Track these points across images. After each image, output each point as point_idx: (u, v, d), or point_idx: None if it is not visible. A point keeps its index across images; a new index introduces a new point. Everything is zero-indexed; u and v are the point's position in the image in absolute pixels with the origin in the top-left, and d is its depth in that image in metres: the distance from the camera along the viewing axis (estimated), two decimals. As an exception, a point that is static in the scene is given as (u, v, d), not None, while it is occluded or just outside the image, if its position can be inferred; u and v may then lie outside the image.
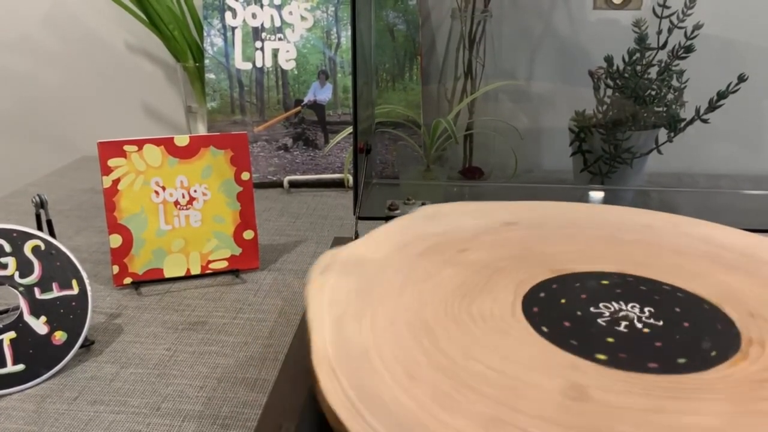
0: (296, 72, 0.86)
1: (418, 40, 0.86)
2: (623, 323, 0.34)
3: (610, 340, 0.33)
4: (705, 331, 0.34)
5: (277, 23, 0.85)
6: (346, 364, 0.30)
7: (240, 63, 0.85)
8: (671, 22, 0.72)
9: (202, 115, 0.90)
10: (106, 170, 0.56)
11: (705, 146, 0.86)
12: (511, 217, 0.49)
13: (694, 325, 0.35)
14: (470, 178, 0.86)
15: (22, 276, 0.46)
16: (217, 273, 0.61)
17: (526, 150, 0.89)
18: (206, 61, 0.85)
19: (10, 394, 0.44)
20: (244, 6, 0.85)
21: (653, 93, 0.75)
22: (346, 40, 0.86)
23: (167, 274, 0.59)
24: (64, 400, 0.44)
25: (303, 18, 0.86)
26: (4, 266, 0.46)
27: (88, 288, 0.48)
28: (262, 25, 0.85)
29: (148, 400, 0.44)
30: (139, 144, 0.56)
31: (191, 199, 0.59)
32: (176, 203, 0.58)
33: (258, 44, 0.85)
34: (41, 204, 0.50)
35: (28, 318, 0.46)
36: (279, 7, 0.85)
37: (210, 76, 0.85)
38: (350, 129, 0.85)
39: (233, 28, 0.85)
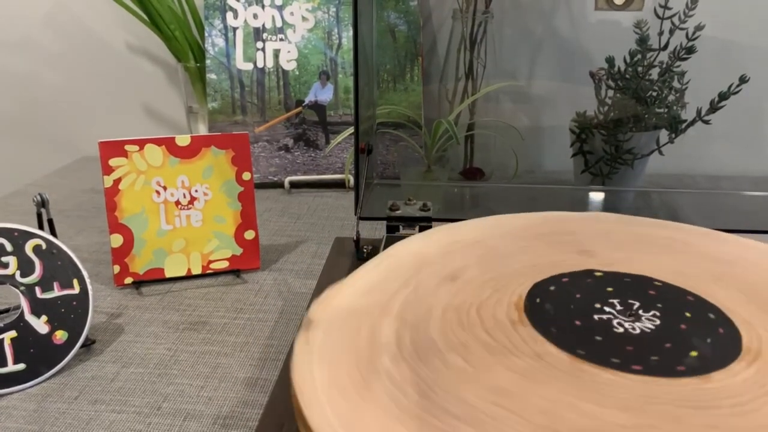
0: (297, 72, 0.86)
1: (419, 40, 0.86)
2: (623, 325, 0.34)
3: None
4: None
5: (279, 24, 0.85)
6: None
7: (241, 63, 0.85)
8: (673, 23, 0.73)
9: (203, 116, 0.90)
10: (108, 170, 0.56)
11: (706, 147, 0.86)
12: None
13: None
14: (471, 179, 0.86)
15: (23, 275, 0.46)
16: (217, 273, 0.61)
17: (527, 151, 0.89)
18: (207, 62, 0.85)
19: (11, 393, 0.44)
20: (245, 6, 0.85)
21: (654, 94, 0.75)
22: (347, 40, 0.86)
23: (168, 274, 0.59)
24: (65, 400, 0.44)
25: (304, 18, 0.86)
26: (6, 265, 0.46)
27: (89, 287, 0.48)
28: (263, 25, 0.85)
29: (149, 400, 0.44)
30: (141, 144, 0.56)
31: (192, 199, 0.59)
32: (177, 203, 0.58)
33: (259, 45, 0.85)
34: (42, 203, 0.50)
35: (29, 317, 0.46)
36: (280, 8, 0.85)
37: (211, 76, 0.85)
38: (351, 130, 0.85)
39: (234, 29, 0.85)
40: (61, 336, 0.46)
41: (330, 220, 0.75)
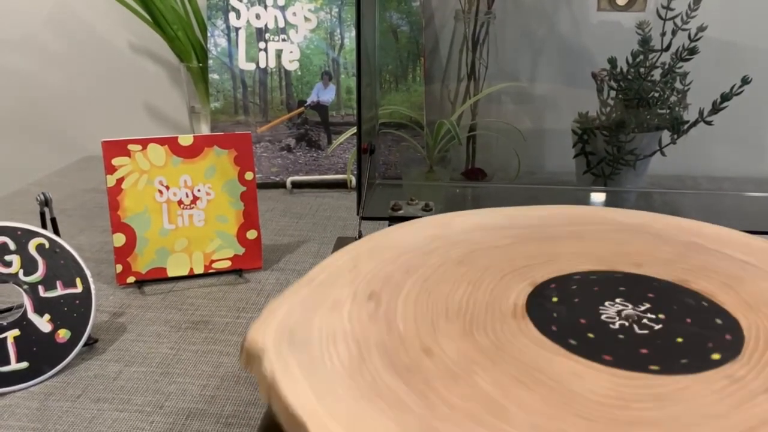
0: (299, 73, 0.86)
1: (422, 41, 0.86)
2: (628, 323, 0.35)
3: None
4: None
5: (281, 24, 0.86)
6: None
7: (243, 63, 0.86)
8: (675, 24, 0.73)
9: (206, 116, 0.90)
10: (110, 169, 0.56)
11: (708, 148, 0.86)
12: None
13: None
14: (473, 180, 0.86)
15: (26, 274, 0.46)
16: (220, 272, 0.61)
17: (529, 151, 0.89)
18: (210, 62, 0.85)
19: (14, 391, 0.44)
20: (248, 7, 0.85)
21: (656, 95, 0.75)
22: (350, 41, 0.86)
23: (170, 274, 0.59)
24: (68, 398, 0.44)
25: (307, 19, 0.86)
26: (9, 264, 0.46)
27: (92, 286, 0.48)
28: (265, 25, 0.86)
29: (152, 399, 0.44)
30: (144, 143, 0.57)
31: (195, 199, 0.59)
32: (180, 202, 0.58)
33: (261, 45, 0.86)
34: (46, 202, 0.50)
35: (32, 316, 0.46)
36: (283, 8, 0.86)
37: (213, 76, 0.86)
38: (353, 130, 0.85)
39: (237, 29, 0.85)
40: (63, 335, 0.46)
41: (332, 220, 0.75)
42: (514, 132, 0.86)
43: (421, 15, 0.86)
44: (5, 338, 0.44)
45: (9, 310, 0.53)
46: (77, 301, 0.47)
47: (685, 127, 0.75)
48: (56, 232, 0.50)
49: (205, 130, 0.91)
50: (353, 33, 0.86)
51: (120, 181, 0.56)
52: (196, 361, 0.48)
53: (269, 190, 0.85)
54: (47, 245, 0.47)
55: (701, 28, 0.72)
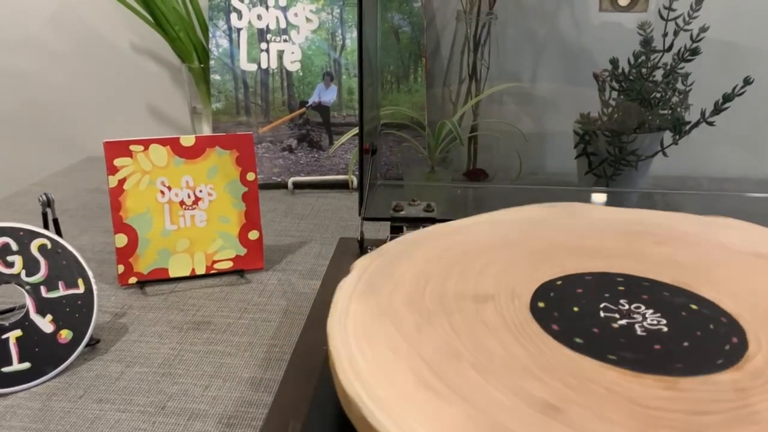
0: (301, 73, 0.86)
1: (423, 42, 0.86)
2: (634, 325, 0.34)
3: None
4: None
5: (283, 25, 0.86)
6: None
7: (245, 64, 0.86)
8: (677, 24, 0.72)
9: (207, 116, 0.90)
10: (112, 170, 0.56)
11: (710, 149, 0.86)
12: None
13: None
14: (474, 180, 0.86)
15: (28, 274, 0.46)
16: (222, 273, 0.61)
17: (531, 152, 0.89)
18: (211, 63, 0.86)
19: (16, 392, 0.44)
20: (249, 7, 0.85)
21: (658, 95, 0.75)
22: (351, 42, 0.86)
23: (172, 274, 0.59)
24: (70, 399, 0.44)
25: (308, 20, 0.86)
26: (11, 264, 0.46)
27: (94, 287, 0.48)
28: (267, 26, 0.86)
29: (154, 399, 0.44)
30: (145, 144, 0.57)
31: (196, 199, 0.59)
32: (182, 203, 0.58)
33: (263, 46, 0.86)
34: (48, 203, 0.50)
35: (34, 316, 0.46)
36: (284, 9, 0.86)
37: (215, 77, 0.86)
38: (354, 131, 0.85)
39: (238, 30, 0.85)
40: (65, 335, 0.46)
41: (333, 220, 0.75)
42: (515, 133, 0.86)
43: (422, 16, 0.86)
44: (7, 339, 0.45)
45: (11, 310, 0.53)
46: (79, 302, 0.47)
47: (687, 127, 0.75)
48: (58, 232, 0.50)
49: (206, 130, 0.91)
50: (354, 34, 0.86)
51: (122, 181, 0.56)
52: (198, 361, 0.48)
53: (271, 190, 0.85)
54: (49, 246, 0.47)
55: (703, 29, 0.71)
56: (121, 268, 0.58)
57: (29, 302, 0.46)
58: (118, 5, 0.91)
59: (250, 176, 0.60)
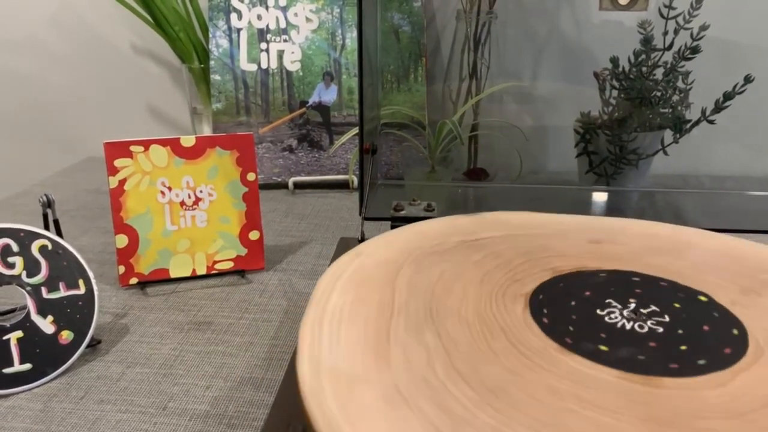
0: (301, 73, 0.86)
1: (423, 41, 0.86)
2: (633, 324, 0.34)
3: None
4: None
5: (283, 25, 0.86)
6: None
7: (245, 64, 0.86)
8: (677, 23, 0.72)
9: (207, 117, 0.90)
10: (113, 170, 0.56)
11: (711, 147, 0.86)
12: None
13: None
14: (475, 180, 0.86)
15: (29, 275, 0.46)
16: (222, 273, 0.61)
17: (531, 151, 0.89)
18: (211, 63, 0.86)
19: (18, 393, 0.44)
20: (249, 8, 0.85)
21: (659, 94, 0.75)
22: (351, 41, 0.86)
23: (173, 275, 0.59)
24: (71, 399, 0.44)
25: (308, 19, 0.86)
26: (12, 266, 0.46)
27: (95, 288, 0.48)
28: (267, 26, 0.86)
29: (155, 400, 0.44)
30: (146, 144, 0.57)
31: (197, 200, 0.59)
32: (182, 204, 0.58)
33: (263, 46, 0.86)
34: (48, 203, 0.50)
35: (35, 317, 0.46)
36: (284, 9, 0.86)
37: (215, 77, 0.86)
38: (355, 130, 0.85)
39: (238, 30, 0.85)
40: (66, 336, 0.46)
41: (334, 220, 0.75)
42: (516, 132, 0.86)
43: (422, 15, 0.86)
44: (8, 340, 0.45)
45: (12, 311, 0.53)
46: (80, 303, 0.47)
47: (688, 126, 0.75)
48: (59, 233, 0.50)
49: (207, 130, 0.91)
50: (354, 33, 0.85)
51: (122, 182, 0.56)
52: (199, 362, 0.48)
53: (271, 190, 0.85)
54: (50, 247, 0.47)
55: (703, 27, 0.71)
56: (121, 269, 0.58)
57: (30, 303, 0.46)
58: (118, 6, 0.91)
59: (251, 176, 0.60)
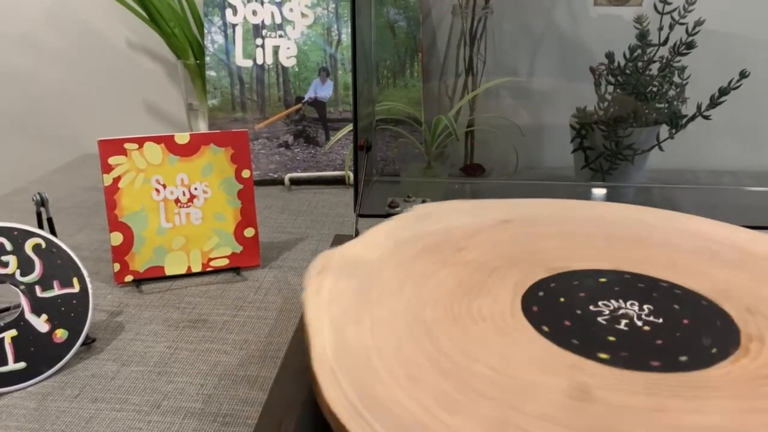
0: (297, 69, 0.86)
1: (419, 36, 0.86)
2: (623, 321, 0.34)
3: (611, 338, 0.33)
4: (704, 328, 0.34)
5: (278, 20, 0.85)
6: (347, 367, 0.30)
7: (241, 60, 0.85)
8: (672, 18, 0.72)
9: (203, 113, 0.90)
10: (107, 168, 0.56)
11: (706, 143, 0.86)
12: (507, 215, 0.49)
13: (694, 322, 0.35)
14: (471, 176, 0.86)
15: (23, 274, 0.46)
16: (217, 270, 0.61)
17: (528, 147, 0.89)
18: (207, 59, 0.85)
19: (12, 392, 0.44)
20: (244, 3, 0.85)
21: (654, 89, 0.75)
22: (347, 37, 0.86)
23: (168, 272, 0.59)
24: (66, 398, 0.44)
25: (303, 15, 0.85)
26: (5, 264, 0.46)
27: (89, 286, 0.48)
28: (262, 22, 0.85)
29: (149, 398, 0.44)
30: (140, 142, 0.56)
31: (192, 197, 0.59)
32: (177, 201, 0.58)
33: (259, 41, 0.85)
34: (42, 202, 0.50)
35: (29, 316, 0.46)
36: (279, 4, 0.85)
37: (211, 73, 0.85)
38: (351, 126, 0.85)
39: (234, 25, 0.85)
40: (61, 334, 0.46)
41: (330, 217, 0.75)
42: (512, 127, 0.86)
43: (418, 10, 0.86)
44: (2, 339, 0.45)
45: (6, 310, 0.53)
46: (74, 301, 0.47)
47: (684, 121, 0.75)
48: (53, 231, 0.50)
49: (202, 127, 0.91)
50: (350, 28, 0.85)
51: (117, 179, 0.56)
52: (193, 359, 0.48)
53: (267, 187, 0.85)
54: (44, 245, 0.47)
55: (699, 23, 0.71)
56: (117, 267, 0.58)
57: (24, 302, 0.46)
58: (113, 2, 0.91)
59: (246, 173, 0.60)
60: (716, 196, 0.79)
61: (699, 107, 0.74)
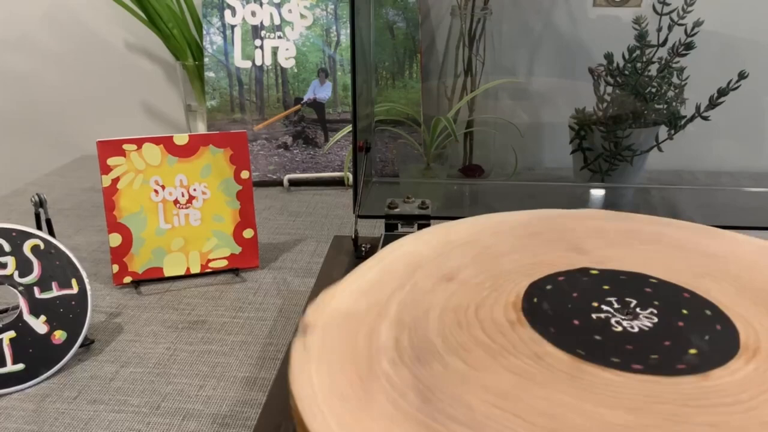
0: (296, 70, 0.86)
1: (418, 37, 0.86)
2: (621, 323, 0.34)
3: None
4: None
5: (277, 21, 0.85)
6: None
7: (239, 61, 0.85)
8: (671, 19, 0.72)
9: (202, 114, 0.90)
10: (106, 169, 0.56)
11: (705, 143, 0.86)
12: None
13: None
14: (470, 176, 0.86)
15: (21, 275, 0.46)
16: (216, 272, 0.61)
17: (527, 148, 0.89)
18: (206, 60, 0.85)
19: (10, 393, 0.44)
20: (243, 4, 0.85)
21: (653, 90, 0.75)
22: (346, 38, 0.86)
23: (167, 273, 0.59)
24: (64, 400, 0.44)
25: (302, 16, 0.85)
26: (4, 265, 0.46)
27: (88, 287, 0.48)
28: (261, 23, 0.85)
29: (148, 399, 0.44)
30: (139, 143, 0.56)
31: (191, 198, 0.59)
32: (176, 202, 0.58)
33: (257, 42, 0.85)
34: (40, 203, 0.50)
35: (28, 317, 0.46)
36: (278, 5, 0.85)
37: (209, 74, 0.85)
38: (350, 127, 0.85)
39: (233, 27, 0.85)
40: (59, 336, 0.46)
41: (329, 218, 0.75)
42: (511, 128, 0.86)
43: (417, 11, 0.86)
44: (1, 340, 0.44)
45: (5, 311, 0.53)
46: (73, 302, 0.47)
47: (682, 122, 0.75)
48: (51, 233, 0.50)
49: (201, 128, 0.91)
50: (349, 30, 0.85)
51: (115, 181, 0.56)
52: (192, 361, 0.48)
53: (266, 188, 0.85)
54: (42, 246, 0.47)
55: (697, 23, 0.71)
56: (115, 268, 0.57)
57: (23, 303, 0.46)
58: (112, 3, 0.91)
59: (244, 174, 0.60)
60: (715, 197, 0.79)
61: (698, 108, 0.74)
